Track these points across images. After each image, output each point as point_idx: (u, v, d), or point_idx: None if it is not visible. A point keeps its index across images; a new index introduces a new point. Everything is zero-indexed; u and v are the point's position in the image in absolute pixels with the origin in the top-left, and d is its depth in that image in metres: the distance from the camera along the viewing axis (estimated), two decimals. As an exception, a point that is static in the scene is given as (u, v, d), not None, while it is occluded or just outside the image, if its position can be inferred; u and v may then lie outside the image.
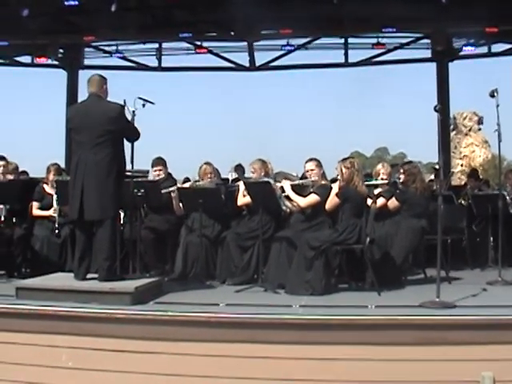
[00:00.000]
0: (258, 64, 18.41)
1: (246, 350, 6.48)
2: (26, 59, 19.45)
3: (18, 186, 9.35)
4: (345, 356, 6.37)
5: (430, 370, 6.30)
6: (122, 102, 7.79)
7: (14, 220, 9.45)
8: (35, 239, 9.12)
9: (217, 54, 18.26)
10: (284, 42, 17.30)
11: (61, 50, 18.91)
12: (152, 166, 9.46)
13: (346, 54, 18.02)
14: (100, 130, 7.37)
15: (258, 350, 6.46)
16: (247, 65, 18.48)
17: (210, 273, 8.79)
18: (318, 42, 17.66)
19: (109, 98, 7.76)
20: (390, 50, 17.59)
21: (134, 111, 7.92)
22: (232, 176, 13.08)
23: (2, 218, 9.18)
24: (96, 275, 7.51)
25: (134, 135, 7.79)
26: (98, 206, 7.31)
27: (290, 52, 17.76)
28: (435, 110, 7.35)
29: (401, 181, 8.99)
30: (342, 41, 17.85)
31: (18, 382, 6.88)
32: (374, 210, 8.18)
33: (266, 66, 18.48)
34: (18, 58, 19.43)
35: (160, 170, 9.37)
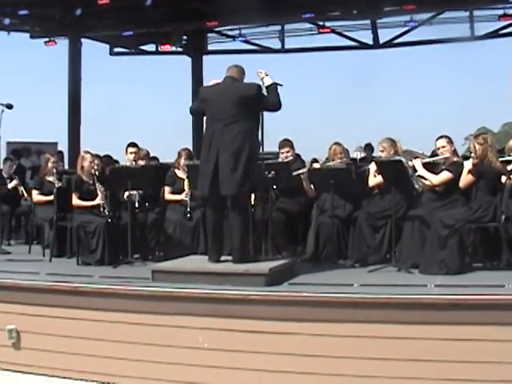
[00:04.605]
0: (381, 41, 18.20)
1: (381, 330, 6.45)
2: (151, 47, 19.82)
3: (149, 171, 9.48)
4: (482, 336, 6.24)
5: None
6: None
7: (147, 205, 9.63)
8: (168, 223, 9.30)
9: (340, 33, 18.14)
10: (407, 17, 17.02)
11: (184, 37, 19.20)
12: (279, 148, 9.43)
13: (472, 28, 17.53)
14: (236, 109, 7.45)
15: (393, 330, 6.42)
16: (371, 43, 18.30)
17: (342, 253, 8.73)
18: (442, 16, 17.26)
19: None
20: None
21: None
22: (358, 156, 12.97)
23: (136, 204, 9.36)
24: (229, 257, 7.60)
25: (274, 106, 7.78)
26: (233, 181, 7.34)
27: (413, 28, 17.46)
28: None
29: (540, 155, 8.69)
30: (467, 14, 17.38)
31: (155, 363, 7.08)
32: (510, 187, 7.92)
33: (390, 44, 18.25)
34: (142, 47, 19.84)
35: (288, 152, 9.33)
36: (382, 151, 8.96)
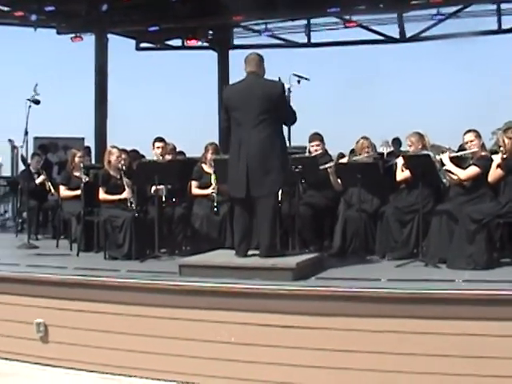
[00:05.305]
0: (408, 35, 18.09)
1: (408, 325, 6.41)
2: (177, 42, 19.86)
3: (176, 166, 9.49)
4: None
5: None
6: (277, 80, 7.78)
7: (174, 199, 9.65)
8: (195, 218, 9.33)
9: (366, 27, 18.06)
10: (434, 11, 16.89)
11: (210, 32, 19.21)
12: (309, 142, 9.37)
13: (499, 21, 17.34)
14: (262, 108, 7.37)
15: (420, 325, 6.38)
16: (397, 36, 18.19)
17: (369, 247, 8.71)
18: (469, 9, 17.09)
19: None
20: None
21: (289, 88, 7.90)
22: (385, 150, 12.91)
23: (163, 198, 9.37)
24: (257, 251, 7.58)
25: (291, 118, 7.74)
26: (264, 182, 7.33)
27: (440, 21, 17.32)
28: None
29: None
30: (495, 7, 17.20)
31: (186, 357, 7.08)
32: (539, 182, 7.85)
33: (417, 37, 18.13)
34: (168, 42, 19.89)
35: (317, 146, 9.28)
36: (410, 146, 8.91)
